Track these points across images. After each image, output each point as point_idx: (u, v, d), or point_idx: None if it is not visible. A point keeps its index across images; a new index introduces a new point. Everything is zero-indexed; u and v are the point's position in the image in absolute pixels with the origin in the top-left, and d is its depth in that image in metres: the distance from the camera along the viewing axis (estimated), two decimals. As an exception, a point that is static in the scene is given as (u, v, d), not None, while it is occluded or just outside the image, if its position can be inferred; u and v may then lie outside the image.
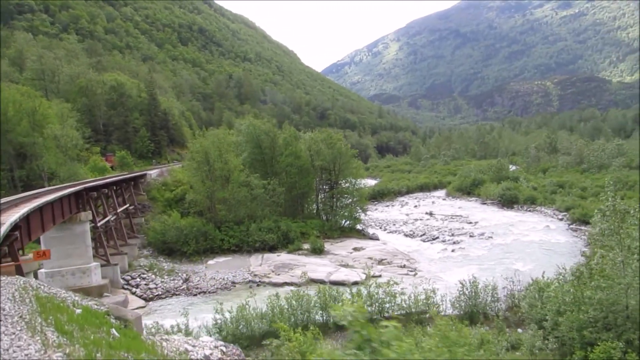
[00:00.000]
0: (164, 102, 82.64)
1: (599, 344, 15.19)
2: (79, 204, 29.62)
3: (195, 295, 31.13)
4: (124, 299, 28.96)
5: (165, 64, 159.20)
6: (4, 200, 21.39)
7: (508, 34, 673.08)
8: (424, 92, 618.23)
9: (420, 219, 56.44)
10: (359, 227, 48.81)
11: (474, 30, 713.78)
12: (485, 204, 66.32)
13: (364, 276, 32.47)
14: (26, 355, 5.56)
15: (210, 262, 37.98)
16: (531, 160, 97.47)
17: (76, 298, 9.53)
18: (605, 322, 16.47)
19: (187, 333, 20.09)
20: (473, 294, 22.71)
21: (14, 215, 16.35)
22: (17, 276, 10.83)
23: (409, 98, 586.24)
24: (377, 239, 45.89)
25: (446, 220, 54.87)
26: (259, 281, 32.95)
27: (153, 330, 17.97)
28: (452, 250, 39.91)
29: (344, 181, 50.44)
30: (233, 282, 32.82)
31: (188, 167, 43.65)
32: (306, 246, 40.92)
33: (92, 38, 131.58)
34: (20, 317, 6.66)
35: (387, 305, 22.75)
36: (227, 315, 20.86)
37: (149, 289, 31.88)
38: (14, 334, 6.15)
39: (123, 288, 31.88)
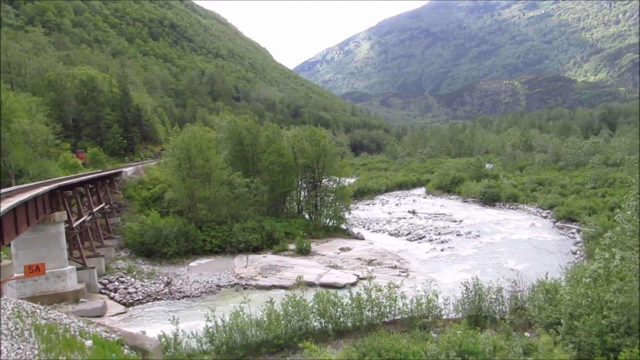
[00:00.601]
0: (136, 97, 79.77)
1: (623, 350, 14.46)
2: (52, 204, 27.55)
3: (178, 299, 29.47)
4: (102, 304, 27.16)
5: (136, 59, 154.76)
6: (-28, 200, 19.36)
7: (477, 34, 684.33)
8: (395, 91, 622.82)
9: (404, 218, 55.68)
10: (343, 226, 47.69)
11: (444, 30, 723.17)
12: (466, 202, 66.05)
13: (355, 278, 31.42)
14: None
15: (192, 263, 36.25)
16: (507, 158, 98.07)
17: (81, 324, 7.97)
18: (627, 327, 15.71)
19: (177, 343, 18.57)
20: (477, 296, 21.74)
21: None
22: (3, 297, 9.12)
23: (380, 96, 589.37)
24: (363, 239, 44.88)
25: (430, 218, 54.25)
26: (246, 284, 31.46)
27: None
28: (442, 250, 39.14)
29: (327, 179, 49.19)
30: (218, 286, 31.27)
31: (169, 164, 41.62)
32: (292, 246, 39.57)
33: (59, 31, 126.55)
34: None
35: (387, 309, 21.63)
36: (220, 322, 19.33)
37: (129, 293, 30.02)
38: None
39: (100, 292, 29.98)
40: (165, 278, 32.36)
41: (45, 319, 7.60)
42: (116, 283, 31.19)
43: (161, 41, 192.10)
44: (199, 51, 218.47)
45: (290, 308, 20.42)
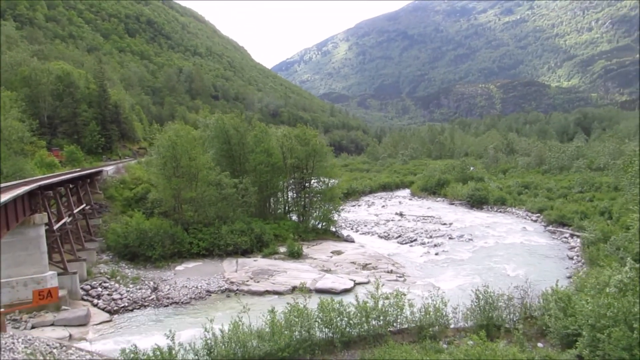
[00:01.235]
0: (114, 94, 77.09)
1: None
2: (32, 205, 25.66)
3: (166, 306, 27.83)
4: (86, 312, 25.39)
5: (112, 56, 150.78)
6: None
7: (454, 38, 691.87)
8: (373, 92, 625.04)
9: (392, 220, 54.82)
10: (332, 228, 46.54)
11: (422, 33, 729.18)
12: (453, 204, 65.56)
13: (351, 283, 30.29)
14: None
15: (179, 267, 34.56)
16: (490, 160, 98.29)
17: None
18: (657, 341, 14.93)
19: (172, 356, 17.09)
20: (488, 305, 20.81)
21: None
22: (10, 333, 7.58)
23: (358, 98, 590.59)
24: (353, 241, 43.81)
25: (419, 221, 53.49)
26: (237, 289, 30.01)
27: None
28: (436, 254, 38.28)
29: (316, 180, 47.95)
30: (208, 291, 29.72)
31: (153, 163, 39.76)
32: (282, 249, 38.19)
33: (31, 25, 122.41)
34: None
35: (393, 318, 20.54)
36: (218, 333, 17.96)
37: (113, 299, 28.20)
38: None
39: (83, 299, 28.07)
40: (152, 283, 30.67)
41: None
42: (99, 289, 29.31)
43: (138, 38, 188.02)
44: (177, 49, 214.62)
45: (293, 318, 19.15)
